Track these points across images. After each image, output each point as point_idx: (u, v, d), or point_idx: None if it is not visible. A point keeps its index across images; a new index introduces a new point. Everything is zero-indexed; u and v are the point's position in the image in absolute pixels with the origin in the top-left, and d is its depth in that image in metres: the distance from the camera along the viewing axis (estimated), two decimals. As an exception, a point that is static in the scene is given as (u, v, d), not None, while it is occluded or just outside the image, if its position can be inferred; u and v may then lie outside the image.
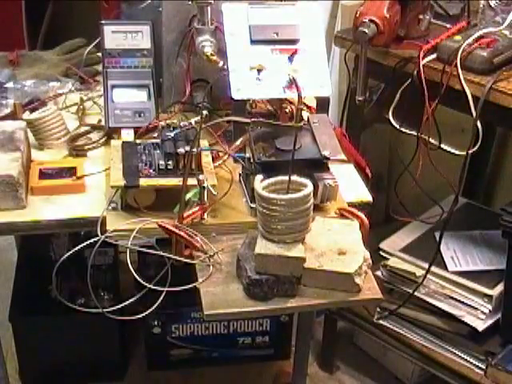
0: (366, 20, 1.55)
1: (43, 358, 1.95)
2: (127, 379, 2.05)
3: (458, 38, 1.57)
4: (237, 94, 1.29)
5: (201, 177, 1.16)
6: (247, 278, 1.07)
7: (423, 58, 1.58)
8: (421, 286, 1.75)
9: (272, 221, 1.06)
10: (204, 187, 1.16)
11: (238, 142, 1.27)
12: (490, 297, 1.72)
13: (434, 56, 1.59)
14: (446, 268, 1.80)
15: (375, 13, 1.56)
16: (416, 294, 1.76)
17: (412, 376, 2.07)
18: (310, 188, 1.07)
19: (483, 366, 1.72)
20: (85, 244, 1.14)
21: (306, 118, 1.32)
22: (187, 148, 1.19)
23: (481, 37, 1.55)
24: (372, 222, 1.21)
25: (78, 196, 1.28)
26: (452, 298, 1.77)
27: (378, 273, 1.85)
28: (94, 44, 1.64)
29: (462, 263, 1.82)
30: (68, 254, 1.15)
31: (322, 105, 1.38)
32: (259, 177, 1.13)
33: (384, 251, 1.89)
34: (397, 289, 1.84)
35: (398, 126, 1.70)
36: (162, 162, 1.22)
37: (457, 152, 1.65)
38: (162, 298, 1.11)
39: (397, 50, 1.65)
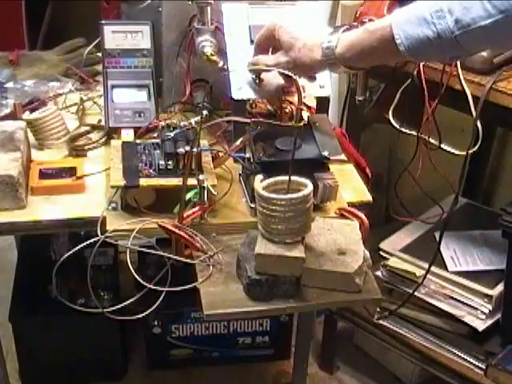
0: (366, 20, 1.55)
1: (43, 357, 1.95)
2: (127, 379, 2.05)
3: (458, 37, 1.57)
4: (237, 93, 1.29)
5: (201, 177, 1.16)
6: (247, 278, 1.07)
7: (423, 58, 1.58)
8: (421, 286, 1.75)
9: (272, 221, 1.06)
10: (204, 187, 1.16)
11: (237, 142, 1.27)
12: (490, 297, 1.72)
13: (434, 56, 1.58)
14: (446, 268, 1.80)
15: (375, 13, 1.56)
16: (416, 294, 1.76)
17: (412, 376, 2.06)
18: (309, 188, 1.07)
19: (483, 366, 1.72)
20: (85, 244, 1.13)
21: (306, 118, 1.32)
22: (187, 148, 1.19)
23: (481, 37, 1.55)
24: (372, 222, 1.21)
25: (78, 196, 1.28)
26: (452, 297, 1.77)
27: (378, 273, 1.85)
28: (94, 44, 1.64)
29: (462, 263, 1.82)
30: (68, 253, 1.15)
31: (322, 105, 1.39)
32: (259, 177, 1.13)
33: (384, 251, 1.89)
34: (397, 289, 1.84)
35: (398, 126, 1.70)
36: (162, 162, 1.21)
37: (457, 152, 1.65)
38: (161, 298, 1.11)
39: (397, 50, 1.64)
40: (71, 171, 1.31)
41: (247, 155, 1.25)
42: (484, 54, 1.51)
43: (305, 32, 1.21)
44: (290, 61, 1.20)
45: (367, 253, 1.13)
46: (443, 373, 1.81)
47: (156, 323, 1.98)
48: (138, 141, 1.31)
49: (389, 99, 1.69)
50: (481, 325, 1.73)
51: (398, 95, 1.66)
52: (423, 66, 1.57)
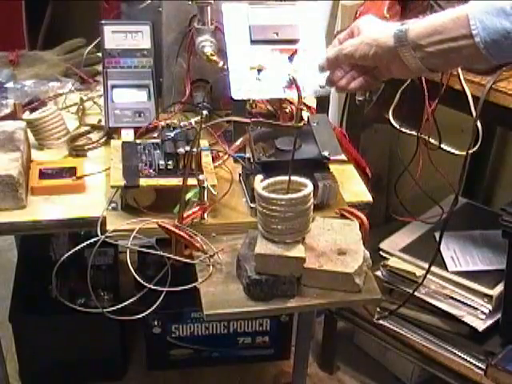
0: (366, 20, 1.55)
1: (43, 357, 1.95)
2: (127, 379, 2.05)
3: (457, 37, 1.57)
4: (237, 94, 1.29)
5: (201, 177, 1.16)
6: (247, 278, 1.07)
7: (423, 58, 1.57)
8: (421, 286, 1.75)
9: (272, 221, 1.06)
10: (204, 187, 1.16)
11: (237, 142, 1.27)
12: (490, 297, 1.72)
13: (433, 56, 1.58)
14: (446, 268, 1.80)
15: (375, 13, 1.55)
16: (416, 294, 1.76)
17: (412, 376, 2.06)
18: (310, 188, 1.07)
19: (483, 366, 1.72)
20: (85, 244, 1.13)
21: (306, 118, 1.32)
22: (187, 148, 1.19)
23: (481, 37, 1.54)
24: (372, 222, 1.21)
25: (78, 196, 1.28)
26: (452, 297, 1.77)
27: (378, 273, 1.85)
28: (94, 44, 1.64)
29: (462, 263, 1.82)
30: (68, 253, 1.15)
31: (322, 105, 1.39)
32: (259, 177, 1.13)
33: (384, 251, 1.89)
34: (397, 289, 1.84)
35: (398, 126, 1.70)
36: (162, 162, 1.22)
37: (457, 152, 1.65)
38: (161, 298, 1.11)
39: (397, 50, 1.64)
40: (71, 171, 1.31)
41: (247, 155, 1.25)
42: (484, 53, 1.52)
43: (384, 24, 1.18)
44: (367, 42, 1.15)
45: (367, 253, 1.13)
46: (443, 373, 1.81)
47: (156, 323, 1.98)
48: (138, 141, 1.32)
49: (389, 99, 1.69)
50: (481, 325, 1.73)
51: (397, 95, 1.66)
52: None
